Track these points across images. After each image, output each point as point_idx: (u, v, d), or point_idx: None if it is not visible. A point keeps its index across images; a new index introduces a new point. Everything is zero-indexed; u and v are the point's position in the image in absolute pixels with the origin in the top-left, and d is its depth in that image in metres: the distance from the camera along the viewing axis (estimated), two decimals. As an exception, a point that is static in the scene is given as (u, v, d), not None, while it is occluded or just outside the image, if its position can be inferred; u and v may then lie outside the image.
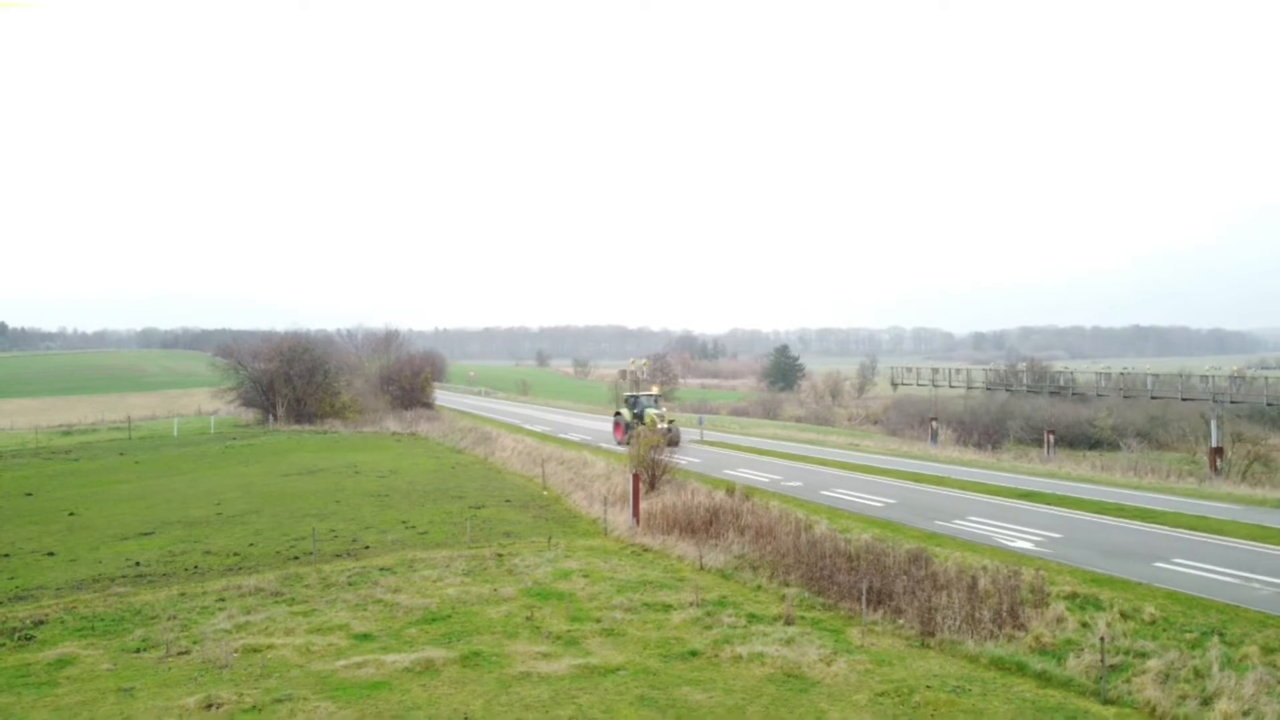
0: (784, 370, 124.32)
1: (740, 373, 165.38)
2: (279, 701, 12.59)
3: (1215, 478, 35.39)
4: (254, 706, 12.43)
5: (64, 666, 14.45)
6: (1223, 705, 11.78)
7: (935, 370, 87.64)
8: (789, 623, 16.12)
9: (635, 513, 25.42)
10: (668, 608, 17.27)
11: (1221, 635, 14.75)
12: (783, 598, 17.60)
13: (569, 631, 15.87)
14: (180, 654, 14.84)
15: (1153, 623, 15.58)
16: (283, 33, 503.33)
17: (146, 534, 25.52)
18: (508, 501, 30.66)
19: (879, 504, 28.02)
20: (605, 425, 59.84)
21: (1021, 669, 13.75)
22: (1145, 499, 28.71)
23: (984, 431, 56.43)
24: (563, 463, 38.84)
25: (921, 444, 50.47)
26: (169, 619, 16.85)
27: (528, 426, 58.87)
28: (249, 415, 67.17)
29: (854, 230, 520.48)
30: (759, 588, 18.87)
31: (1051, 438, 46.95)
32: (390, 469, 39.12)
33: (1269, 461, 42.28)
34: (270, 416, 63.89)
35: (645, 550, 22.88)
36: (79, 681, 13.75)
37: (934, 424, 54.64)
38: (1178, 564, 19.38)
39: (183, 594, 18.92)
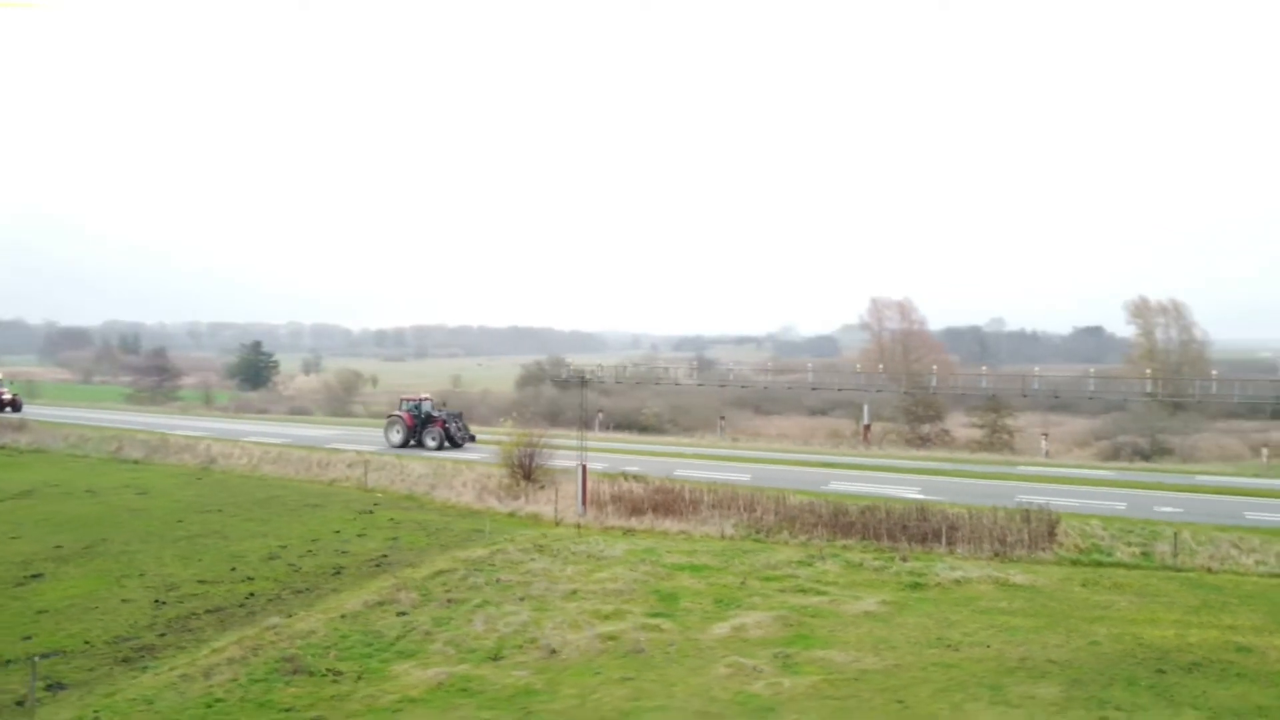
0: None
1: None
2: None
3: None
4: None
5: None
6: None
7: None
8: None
9: (584, 500, 26.47)
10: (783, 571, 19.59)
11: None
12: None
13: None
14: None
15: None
16: (283, 33, 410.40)
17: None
18: (375, 505, 28.30)
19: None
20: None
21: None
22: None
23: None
24: (353, 465, 35.47)
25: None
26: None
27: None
28: None
29: (855, 230, 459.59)
30: (785, 543, 22.52)
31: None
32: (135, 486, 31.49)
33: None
34: None
35: (631, 531, 24.04)
36: None
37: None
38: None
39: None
